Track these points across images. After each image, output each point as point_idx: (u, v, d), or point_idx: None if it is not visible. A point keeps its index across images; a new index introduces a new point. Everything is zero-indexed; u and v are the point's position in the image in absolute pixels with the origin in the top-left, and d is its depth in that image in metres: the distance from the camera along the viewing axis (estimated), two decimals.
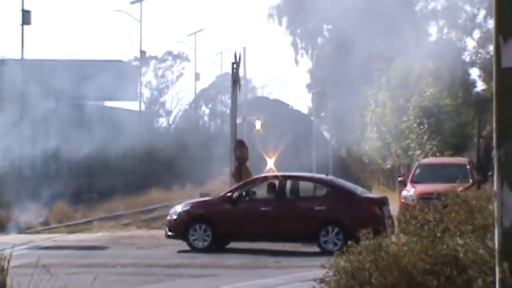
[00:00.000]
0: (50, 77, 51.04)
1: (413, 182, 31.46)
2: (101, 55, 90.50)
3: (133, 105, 69.83)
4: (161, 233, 26.80)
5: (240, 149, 31.86)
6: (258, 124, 38.48)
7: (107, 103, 67.18)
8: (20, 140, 41.35)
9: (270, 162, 32.80)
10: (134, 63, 72.75)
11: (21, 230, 33.99)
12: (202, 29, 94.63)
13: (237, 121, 70.22)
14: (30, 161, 41.18)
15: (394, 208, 26.97)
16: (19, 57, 52.17)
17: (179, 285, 18.21)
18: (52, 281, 12.14)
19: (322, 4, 70.72)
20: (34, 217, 37.16)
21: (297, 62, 77.05)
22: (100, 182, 47.29)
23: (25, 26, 51.56)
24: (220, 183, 47.80)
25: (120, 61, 64.46)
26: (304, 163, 54.91)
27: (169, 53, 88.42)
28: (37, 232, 33.12)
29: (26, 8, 51.37)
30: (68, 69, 54.57)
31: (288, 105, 78.66)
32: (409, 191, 30.44)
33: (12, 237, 29.38)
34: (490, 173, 35.17)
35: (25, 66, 50.54)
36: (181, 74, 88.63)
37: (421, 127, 50.01)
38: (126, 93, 62.99)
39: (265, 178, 26.53)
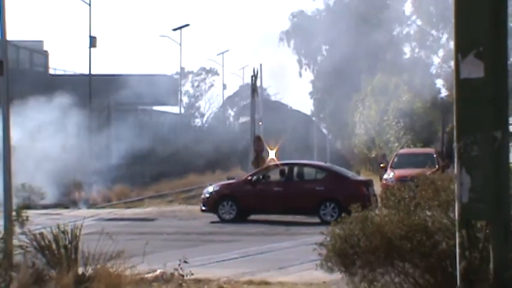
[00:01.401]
0: (111, 89, 51.12)
1: (392, 167, 31.33)
2: (149, 71, 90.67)
3: (175, 109, 69.94)
4: (197, 208, 26.81)
5: (258, 142, 31.80)
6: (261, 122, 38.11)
7: (155, 108, 67.28)
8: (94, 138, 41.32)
9: (272, 154, 32.40)
10: (175, 77, 72.53)
11: (90, 206, 34.00)
12: (228, 50, 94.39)
13: (243, 120, 69.58)
14: (97, 152, 41.22)
15: (377, 188, 26.91)
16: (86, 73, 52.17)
17: (211, 248, 18.22)
18: (113, 245, 12.15)
19: (321, 30, 70.58)
20: (100, 195, 37.16)
21: (301, 74, 77.08)
22: (150, 168, 47.26)
23: (92, 49, 51.57)
24: (242, 169, 47.74)
25: (165, 75, 64.38)
26: (305, 153, 54.52)
27: (203, 68, 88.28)
28: (102, 207, 33.14)
29: (92, 34, 51.41)
30: (123, 82, 54.67)
31: (287, 105, 78.11)
32: (389, 174, 30.32)
33: (82, 212, 29.44)
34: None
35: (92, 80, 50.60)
36: (212, 85, 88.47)
37: (398, 125, 49.82)
38: (169, 100, 63.02)
39: (277, 165, 26.52)
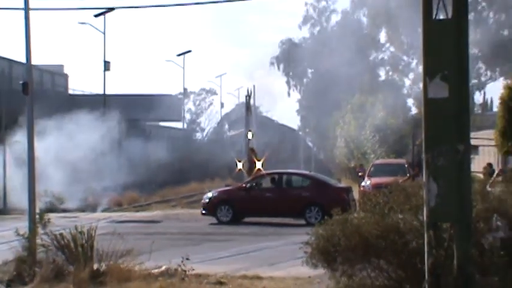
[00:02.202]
0: (124, 107, 51.03)
1: (369, 176, 31.28)
2: (156, 91, 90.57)
3: (178, 125, 69.86)
4: (198, 211, 26.72)
5: (251, 153, 31.82)
6: (250, 135, 37.59)
7: (162, 123, 67.24)
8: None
9: (258, 164, 32.15)
10: (179, 96, 72.49)
11: (104, 209, 33.87)
12: (226, 73, 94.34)
13: (233, 133, 69.03)
14: (111, 163, 41.07)
15: (356, 194, 26.90)
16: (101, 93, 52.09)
17: (211, 246, 18.18)
18: (124, 244, 12.14)
19: (307, 56, 70.81)
20: (112, 200, 37.00)
21: (289, 94, 77.30)
22: (157, 176, 47.13)
23: (106, 72, 51.54)
24: (238, 178, 47.63)
25: (170, 95, 64.34)
26: (292, 163, 54.37)
27: (203, 89, 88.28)
28: (114, 211, 32.98)
29: (106, 59, 51.41)
30: (134, 101, 54.69)
31: (274, 120, 77.84)
32: (366, 182, 30.26)
33: (97, 214, 29.35)
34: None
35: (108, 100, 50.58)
36: (211, 103, 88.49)
37: (374, 138, 49.95)
38: (173, 117, 63.00)
39: (269, 174, 26.49)
